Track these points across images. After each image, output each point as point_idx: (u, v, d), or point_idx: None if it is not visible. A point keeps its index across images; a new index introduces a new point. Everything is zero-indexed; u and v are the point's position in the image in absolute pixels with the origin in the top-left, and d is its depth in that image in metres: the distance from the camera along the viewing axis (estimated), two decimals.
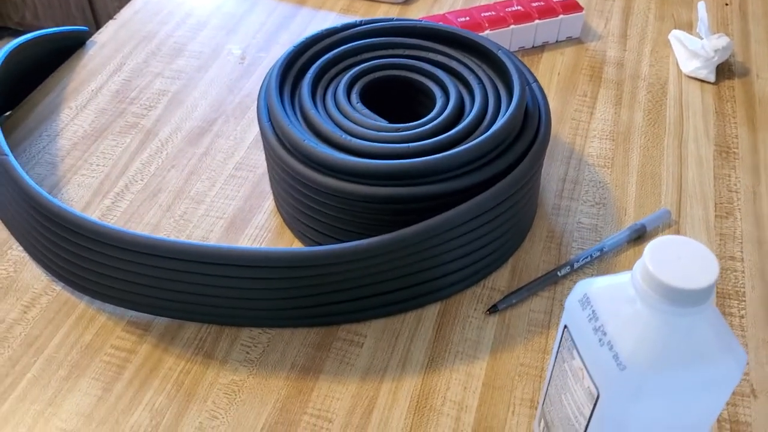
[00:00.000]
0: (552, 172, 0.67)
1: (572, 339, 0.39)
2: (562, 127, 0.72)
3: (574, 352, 0.39)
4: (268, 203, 0.64)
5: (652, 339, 0.35)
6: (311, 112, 0.57)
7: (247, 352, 0.54)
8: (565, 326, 0.40)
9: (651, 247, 0.35)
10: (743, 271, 0.59)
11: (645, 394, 0.36)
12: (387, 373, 0.53)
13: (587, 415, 0.39)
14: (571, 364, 0.40)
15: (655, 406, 0.37)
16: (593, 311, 0.38)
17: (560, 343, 0.41)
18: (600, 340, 0.37)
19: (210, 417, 0.50)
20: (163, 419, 0.50)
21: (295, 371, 0.53)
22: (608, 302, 0.38)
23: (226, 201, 0.65)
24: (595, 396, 0.38)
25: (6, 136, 0.70)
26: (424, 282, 0.55)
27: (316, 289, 0.54)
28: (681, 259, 0.35)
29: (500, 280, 0.59)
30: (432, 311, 0.57)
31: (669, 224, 0.63)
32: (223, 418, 0.50)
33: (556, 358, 0.42)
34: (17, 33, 2.05)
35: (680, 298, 0.34)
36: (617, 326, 0.37)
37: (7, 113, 0.73)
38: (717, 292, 0.58)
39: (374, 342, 0.55)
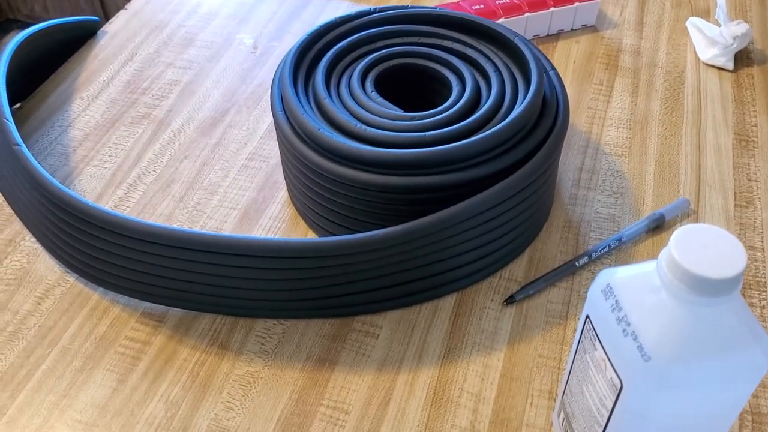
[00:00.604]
0: (569, 161, 0.66)
1: (594, 329, 0.39)
2: (578, 116, 0.71)
3: (597, 342, 0.38)
4: (282, 194, 0.64)
5: (678, 329, 0.35)
6: (325, 101, 0.56)
7: (262, 344, 0.53)
8: (587, 316, 0.39)
9: (677, 236, 0.35)
10: (764, 261, 0.58)
11: (670, 386, 0.35)
12: (403, 365, 0.52)
13: (609, 406, 0.39)
14: (593, 355, 0.39)
15: (679, 398, 0.36)
16: (616, 301, 0.37)
17: (582, 333, 0.41)
18: (624, 330, 0.36)
19: (225, 408, 0.50)
20: (179, 411, 0.50)
21: (311, 362, 0.52)
22: (632, 292, 0.37)
23: (239, 191, 0.64)
24: (618, 387, 0.37)
25: (18, 127, 0.70)
26: (440, 273, 0.55)
27: (332, 279, 0.53)
28: (707, 247, 0.34)
29: (517, 271, 0.58)
30: (448, 302, 0.56)
31: (688, 214, 0.62)
32: (238, 409, 0.50)
33: (576, 349, 0.42)
34: (26, 25, 2.04)
35: (707, 288, 0.33)
36: (641, 316, 0.36)
37: (19, 104, 0.73)
38: None
39: (390, 333, 0.54)
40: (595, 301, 0.38)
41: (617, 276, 0.38)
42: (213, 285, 0.53)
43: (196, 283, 0.53)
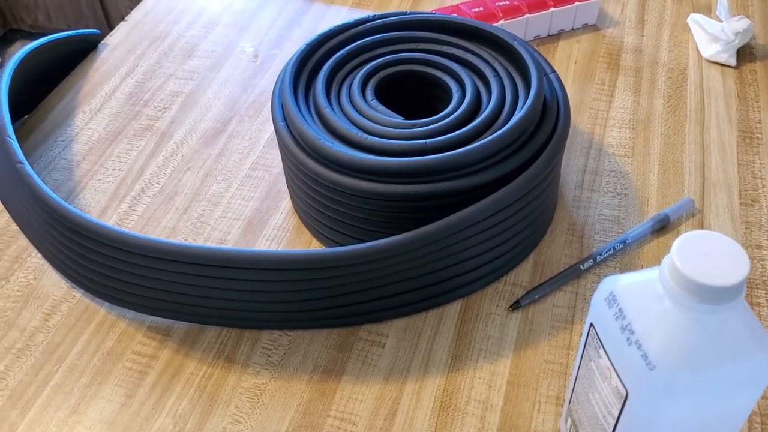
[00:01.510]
0: (571, 163, 0.66)
1: (599, 337, 0.39)
2: (580, 117, 0.71)
3: (601, 350, 0.38)
4: (285, 203, 0.64)
5: (682, 337, 0.35)
6: (326, 110, 0.56)
7: (269, 355, 0.53)
8: (591, 324, 0.39)
9: (679, 243, 0.34)
10: None
11: (675, 394, 0.35)
12: (410, 373, 0.52)
13: (616, 414, 0.39)
14: (598, 362, 0.39)
15: (685, 405, 0.36)
16: (620, 309, 0.37)
17: (586, 341, 0.40)
18: (628, 338, 0.36)
19: (233, 421, 0.50)
20: (186, 424, 0.50)
21: (317, 373, 0.52)
22: (635, 300, 0.37)
23: (242, 202, 0.64)
24: (624, 396, 0.37)
25: (22, 143, 0.70)
26: (444, 280, 0.55)
27: (336, 290, 0.53)
28: (710, 255, 0.34)
29: (522, 276, 0.58)
30: (454, 309, 0.56)
31: (693, 213, 0.62)
32: (246, 422, 0.50)
33: (582, 356, 0.42)
34: (30, 35, 2.05)
35: (710, 296, 0.33)
36: (645, 324, 0.36)
37: (23, 119, 0.73)
38: None
39: (396, 342, 0.54)
40: (598, 309, 0.38)
41: (620, 283, 0.38)
42: (217, 298, 0.53)
43: (201, 296, 0.53)
